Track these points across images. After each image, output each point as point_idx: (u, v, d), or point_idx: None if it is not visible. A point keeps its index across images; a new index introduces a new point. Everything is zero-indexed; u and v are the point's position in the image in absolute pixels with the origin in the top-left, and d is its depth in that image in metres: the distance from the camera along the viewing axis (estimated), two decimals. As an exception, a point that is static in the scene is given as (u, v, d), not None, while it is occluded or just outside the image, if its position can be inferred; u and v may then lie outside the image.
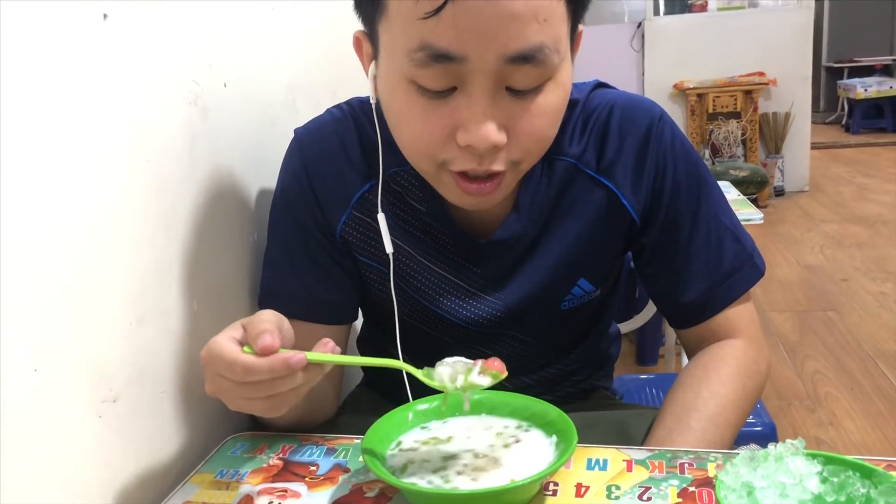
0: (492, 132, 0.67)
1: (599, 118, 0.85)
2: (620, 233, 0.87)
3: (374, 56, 0.73)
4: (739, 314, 0.89)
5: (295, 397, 0.67)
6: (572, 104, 0.84)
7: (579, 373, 1.00)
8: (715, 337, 0.89)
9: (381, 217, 0.85)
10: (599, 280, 0.90)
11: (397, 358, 0.88)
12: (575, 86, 0.87)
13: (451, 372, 0.67)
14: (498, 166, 0.71)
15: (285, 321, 0.68)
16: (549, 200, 0.85)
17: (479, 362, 0.67)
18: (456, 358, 0.69)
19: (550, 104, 0.70)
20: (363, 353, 1.09)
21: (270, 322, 0.65)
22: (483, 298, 0.89)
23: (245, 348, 0.63)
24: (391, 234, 0.86)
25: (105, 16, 0.69)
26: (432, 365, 0.97)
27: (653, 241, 0.87)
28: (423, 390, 0.81)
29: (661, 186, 0.85)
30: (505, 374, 0.68)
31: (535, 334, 0.92)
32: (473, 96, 0.66)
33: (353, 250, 0.89)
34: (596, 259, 0.89)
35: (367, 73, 0.77)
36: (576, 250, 0.86)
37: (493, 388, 0.78)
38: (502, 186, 0.74)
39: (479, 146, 0.68)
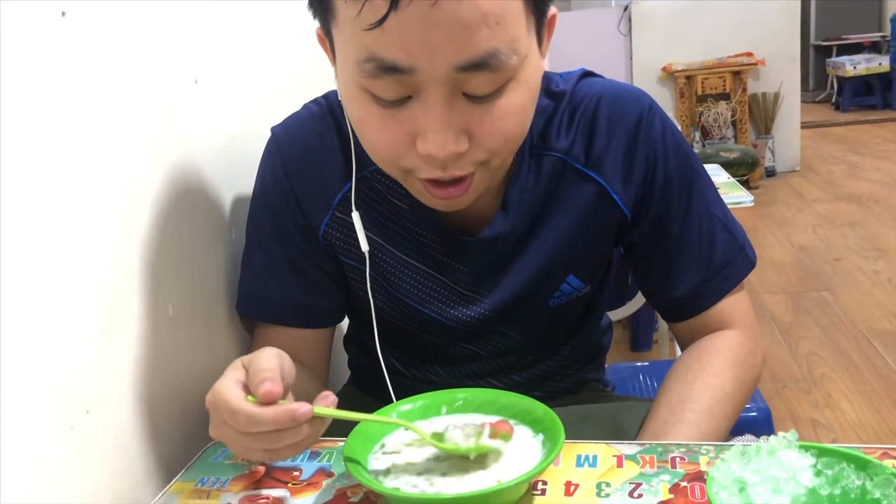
0: (450, 141, 0.64)
1: (587, 110, 0.82)
2: (610, 228, 0.85)
3: (333, 57, 0.71)
4: (733, 306, 0.87)
5: (299, 450, 0.66)
6: (559, 96, 0.82)
7: (570, 368, 0.98)
8: (708, 329, 0.88)
9: (355, 216, 0.83)
10: (588, 276, 0.88)
11: (377, 357, 0.86)
12: (561, 76, 0.84)
13: (462, 435, 0.67)
14: (463, 170, 0.68)
15: (286, 359, 0.66)
16: (537, 197, 0.83)
17: (488, 425, 0.67)
18: (465, 422, 0.69)
19: (514, 104, 0.66)
20: (349, 352, 1.07)
21: (272, 368, 0.63)
22: (470, 297, 0.87)
23: (249, 398, 0.62)
24: (371, 233, 0.84)
25: (63, 13, 0.67)
26: (415, 365, 0.96)
27: (644, 236, 0.86)
28: (410, 391, 0.79)
29: (651, 180, 0.83)
30: (513, 436, 0.67)
31: (523, 332, 0.90)
32: (429, 104, 0.63)
33: (336, 252, 0.87)
34: (585, 255, 0.86)
35: (332, 67, 0.73)
36: (564, 247, 0.84)
37: (478, 385, 0.77)
38: (473, 187, 0.71)
39: (438, 155, 0.65)
